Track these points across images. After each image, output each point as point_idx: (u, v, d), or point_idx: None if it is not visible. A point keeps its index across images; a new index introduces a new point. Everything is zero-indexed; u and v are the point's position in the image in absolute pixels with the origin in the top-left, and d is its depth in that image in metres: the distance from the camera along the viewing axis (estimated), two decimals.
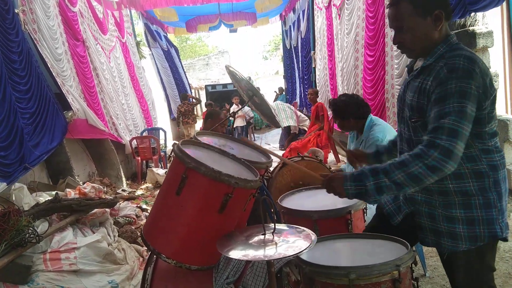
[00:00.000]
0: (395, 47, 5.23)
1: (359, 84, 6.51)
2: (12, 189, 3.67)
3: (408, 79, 1.77)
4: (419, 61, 1.75)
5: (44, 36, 5.17)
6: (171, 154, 1.90)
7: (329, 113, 7.41)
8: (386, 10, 5.37)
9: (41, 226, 3.11)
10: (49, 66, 5.16)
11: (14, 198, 3.57)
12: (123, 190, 6.03)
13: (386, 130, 2.98)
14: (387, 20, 5.42)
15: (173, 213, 1.69)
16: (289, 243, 1.47)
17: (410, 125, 1.70)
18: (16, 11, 4.63)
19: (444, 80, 1.52)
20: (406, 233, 1.74)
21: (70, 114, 5.38)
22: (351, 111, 3.02)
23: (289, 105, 10.06)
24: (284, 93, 15.91)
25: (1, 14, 4.23)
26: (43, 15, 5.26)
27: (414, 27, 1.62)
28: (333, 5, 7.43)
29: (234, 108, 11.18)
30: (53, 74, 5.21)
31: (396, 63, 5.32)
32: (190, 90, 15.61)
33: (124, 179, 6.75)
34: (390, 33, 5.42)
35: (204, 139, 2.14)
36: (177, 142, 1.81)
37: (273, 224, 1.59)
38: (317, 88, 9.24)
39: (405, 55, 5.09)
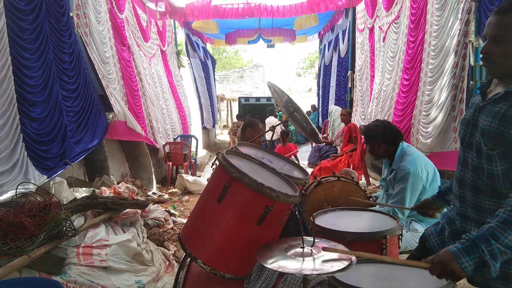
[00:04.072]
0: (429, 73, 5.21)
1: (392, 107, 6.49)
2: (52, 183, 3.82)
3: (482, 103, 1.71)
4: (496, 86, 1.70)
5: (94, 39, 5.42)
6: (214, 162, 1.94)
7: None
8: (426, 36, 5.37)
9: (77, 221, 3.22)
10: (96, 68, 5.37)
11: (54, 191, 3.71)
12: (153, 193, 6.15)
13: (417, 161, 2.90)
14: (425, 46, 5.42)
15: (212, 220, 1.72)
16: (327, 260, 1.47)
17: (483, 152, 1.64)
18: (71, 14, 4.87)
19: None
20: None
21: (111, 115, 5.57)
22: (380, 134, 3.00)
23: None
24: (316, 110, 15.88)
25: (56, 16, 4.44)
26: (95, 20, 5.51)
27: (510, 42, 1.56)
28: (379, 27, 7.42)
29: (274, 121, 11.33)
30: (99, 76, 5.43)
31: (428, 89, 5.27)
32: (216, 102, 15.83)
33: (155, 182, 6.89)
34: (426, 58, 5.39)
35: (245, 150, 2.17)
36: (221, 151, 1.85)
37: (312, 238, 1.59)
38: (356, 108, 9.15)
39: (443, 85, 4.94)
